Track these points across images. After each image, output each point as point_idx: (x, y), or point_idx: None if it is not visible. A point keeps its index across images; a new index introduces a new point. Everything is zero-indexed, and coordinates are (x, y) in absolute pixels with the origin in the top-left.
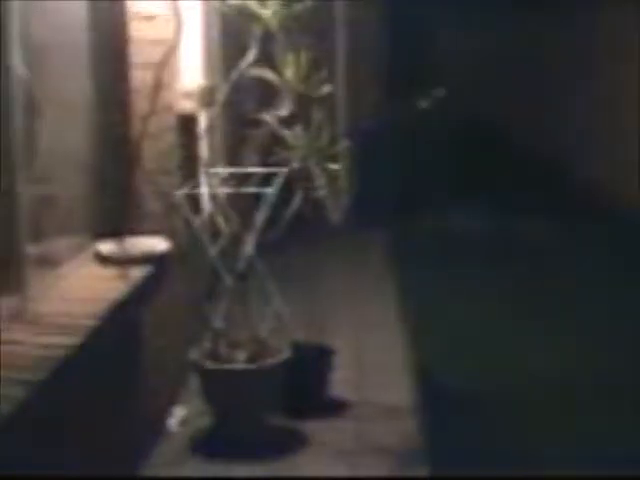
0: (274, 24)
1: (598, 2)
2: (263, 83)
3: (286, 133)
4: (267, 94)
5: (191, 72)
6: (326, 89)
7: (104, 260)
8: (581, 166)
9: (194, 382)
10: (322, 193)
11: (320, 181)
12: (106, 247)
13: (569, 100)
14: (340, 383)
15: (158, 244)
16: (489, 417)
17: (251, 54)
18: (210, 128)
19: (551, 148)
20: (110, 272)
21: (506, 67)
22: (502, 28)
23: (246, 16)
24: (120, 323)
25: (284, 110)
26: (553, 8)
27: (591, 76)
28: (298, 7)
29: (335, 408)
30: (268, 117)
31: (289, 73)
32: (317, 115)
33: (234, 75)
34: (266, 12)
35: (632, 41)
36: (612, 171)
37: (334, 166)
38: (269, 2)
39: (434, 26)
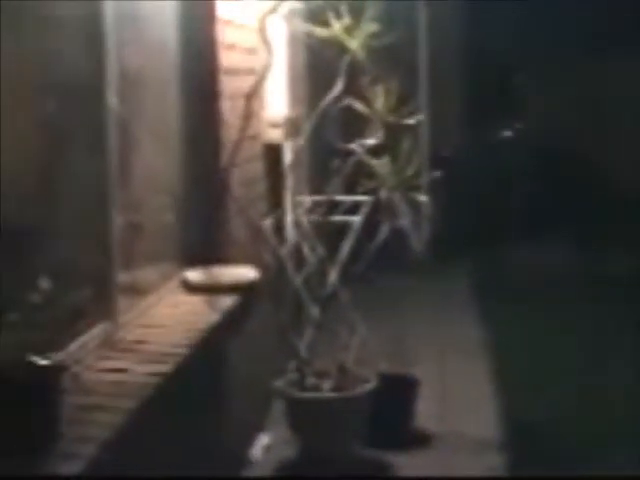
0: (361, 55)
1: None
2: (347, 113)
3: (375, 163)
4: (351, 124)
5: (277, 102)
6: (417, 119)
7: (192, 288)
8: None
9: (279, 410)
10: (406, 223)
11: (404, 211)
12: (194, 275)
13: None
14: (425, 414)
15: (246, 273)
16: (573, 451)
17: (339, 84)
18: (296, 157)
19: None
20: (198, 300)
21: (589, 99)
22: (584, 61)
23: (333, 47)
24: (209, 351)
25: (373, 140)
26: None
27: None
28: (385, 39)
29: (420, 440)
30: (357, 147)
31: (379, 103)
32: (405, 145)
33: (323, 105)
34: (354, 43)
35: None
36: None
37: (421, 197)
38: (356, 33)
39: (514, 57)
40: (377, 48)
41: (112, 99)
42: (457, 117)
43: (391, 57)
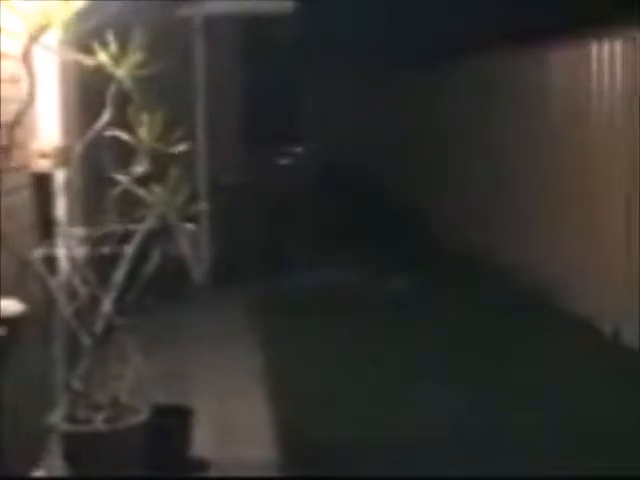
0: (129, 84)
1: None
2: (123, 142)
3: (141, 192)
4: (128, 153)
5: (48, 131)
6: (181, 147)
7: None
8: (441, 216)
9: (54, 445)
10: (183, 251)
11: (180, 239)
12: None
13: (433, 154)
14: (203, 443)
15: (11, 306)
16: (355, 469)
17: (107, 114)
18: (66, 187)
19: (414, 199)
20: None
21: (369, 123)
22: (368, 80)
23: (103, 76)
24: None
25: (138, 169)
26: (423, 64)
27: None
28: (152, 67)
29: (197, 467)
30: (122, 176)
31: (143, 132)
32: (173, 173)
33: (89, 135)
34: (120, 72)
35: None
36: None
37: (191, 224)
38: (124, 62)
39: (297, 85)
40: (149, 76)
41: None
42: (238, 144)
43: (165, 85)
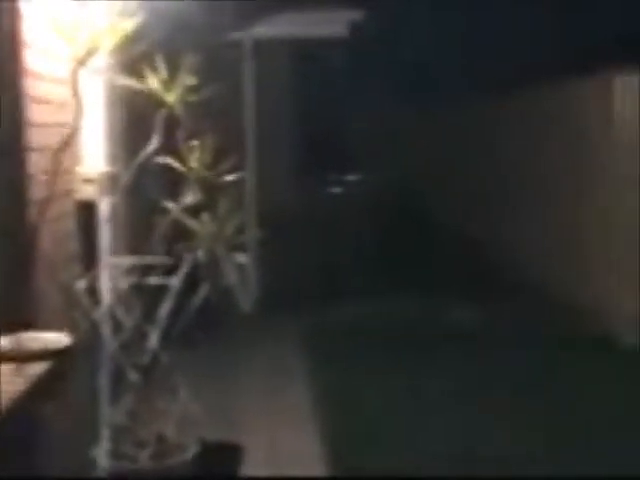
0: (179, 109)
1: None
2: (171, 169)
3: (191, 222)
4: (177, 181)
5: (93, 157)
6: (233, 177)
7: (0, 356)
8: (498, 243)
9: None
10: (231, 282)
11: (228, 270)
12: (2, 342)
13: (489, 180)
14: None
15: (58, 339)
16: None
17: (155, 140)
18: (112, 215)
19: (470, 228)
20: (7, 368)
21: (421, 148)
22: (415, 109)
23: (151, 101)
24: (18, 421)
25: (189, 198)
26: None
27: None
28: (203, 92)
29: None
30: (172, 205)
31: (194, 161)
32: (223, 203)
33: (137, 162)
34: (171, 97)
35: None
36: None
37: (241, 255)
38: (174, 87)
39: (348, 110)
40: (199, 102)
41: None
42: (287, 173)
43: (215, 111)
